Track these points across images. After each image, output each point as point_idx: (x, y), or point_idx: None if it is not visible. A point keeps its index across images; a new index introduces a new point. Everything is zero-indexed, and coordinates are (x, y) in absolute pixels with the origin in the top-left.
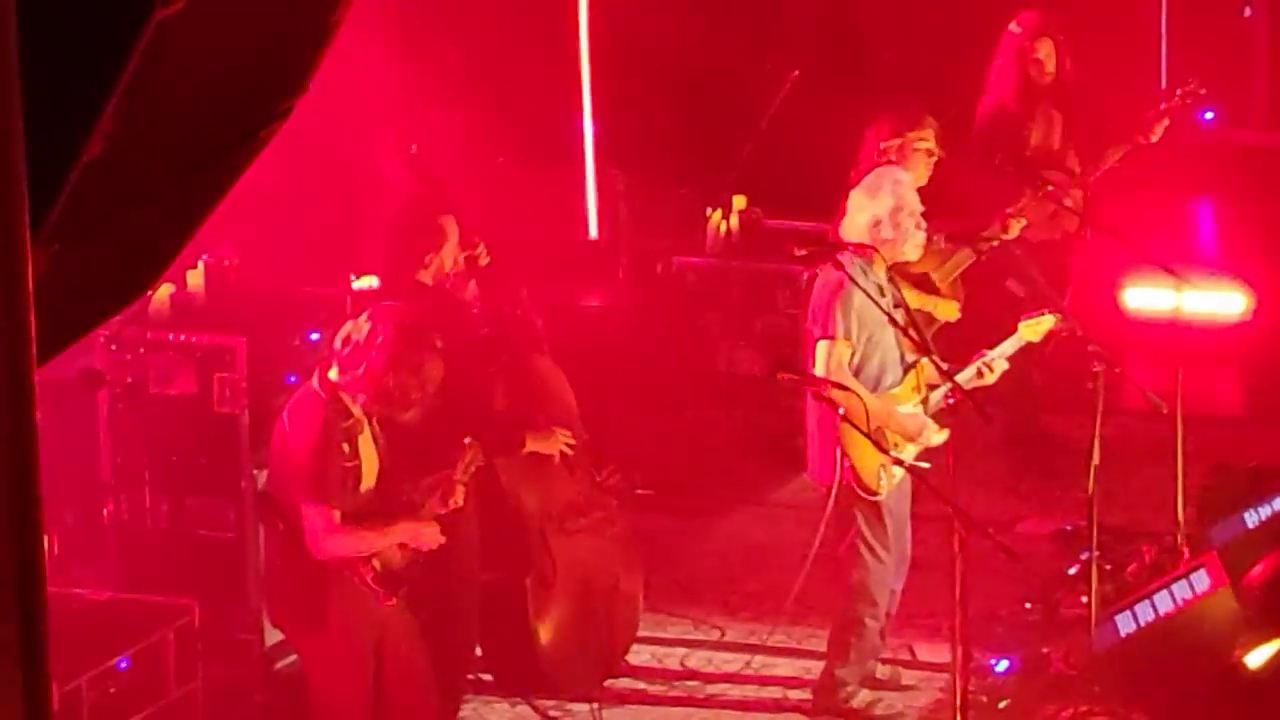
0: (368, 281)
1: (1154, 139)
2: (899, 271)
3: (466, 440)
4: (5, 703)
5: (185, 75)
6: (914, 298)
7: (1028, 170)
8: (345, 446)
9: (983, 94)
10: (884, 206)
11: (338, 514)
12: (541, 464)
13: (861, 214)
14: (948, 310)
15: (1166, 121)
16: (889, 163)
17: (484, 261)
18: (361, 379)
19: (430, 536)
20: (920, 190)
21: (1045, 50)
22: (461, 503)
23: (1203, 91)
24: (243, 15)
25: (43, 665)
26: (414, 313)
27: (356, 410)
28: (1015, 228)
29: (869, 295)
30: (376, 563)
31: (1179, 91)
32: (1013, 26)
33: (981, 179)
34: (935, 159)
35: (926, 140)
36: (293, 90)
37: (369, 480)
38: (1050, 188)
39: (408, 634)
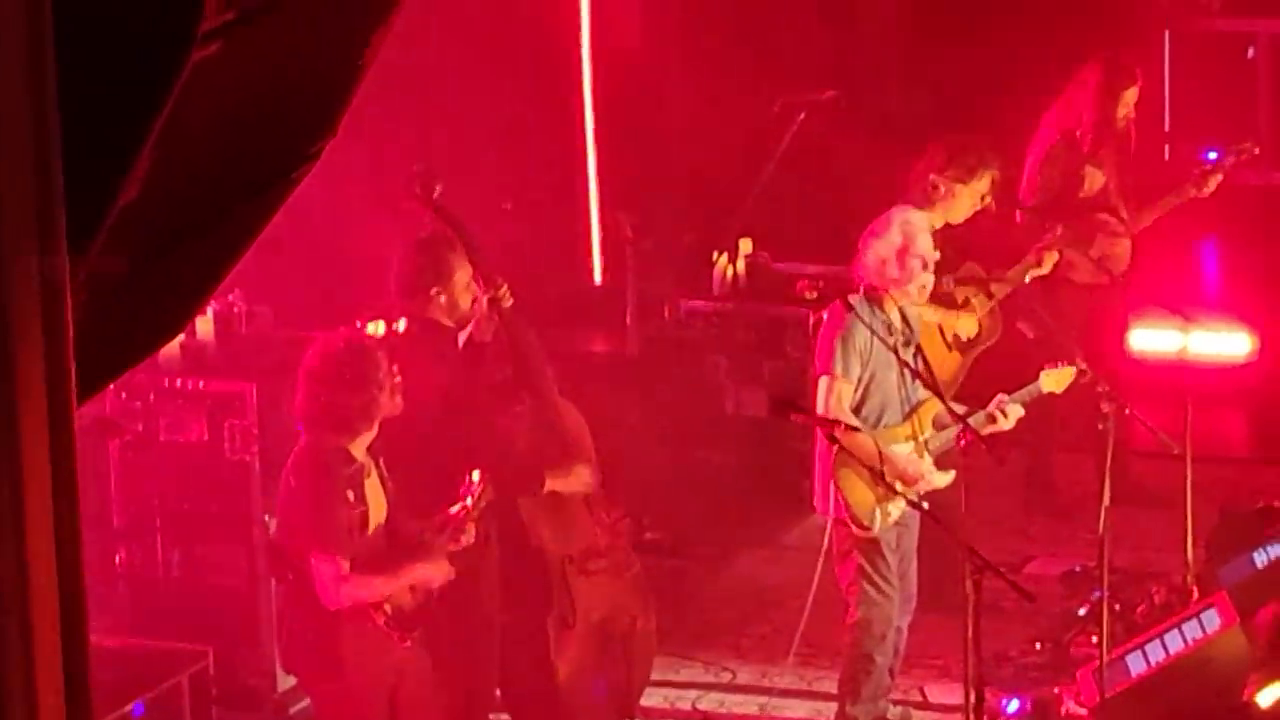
0: (374, 327)
1: (1206, 192)
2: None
3: (475, 475)
4: None
5: (219, 117)
6: (931, 313)
7: (1072, 212)
8: (350, 494)
9: (1043, 130)
10: (891, 247)
11: (346, 563)
12: (562, 504)
13: (870, 253)
14: (967, 325)
15: (1220, 176)
16: (935, 196)
17: (507, 303)
18: (301, 409)
19: (440, 574)
20: (957, 227)
21: (1132, 96)
22: (473, 539)
23: (1256, 150)
24: (275, 57)
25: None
26: (346, 337)
27: (360, 455)
28: (1049, 261)
29: (875, 334)
30: (388, 606)
31: (1235, 148)
32: (1094, 67)
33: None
34: (983, 205)
35: (981, 187)
36: (323, 132)
37: (377, 522)
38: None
39: (423, 676)
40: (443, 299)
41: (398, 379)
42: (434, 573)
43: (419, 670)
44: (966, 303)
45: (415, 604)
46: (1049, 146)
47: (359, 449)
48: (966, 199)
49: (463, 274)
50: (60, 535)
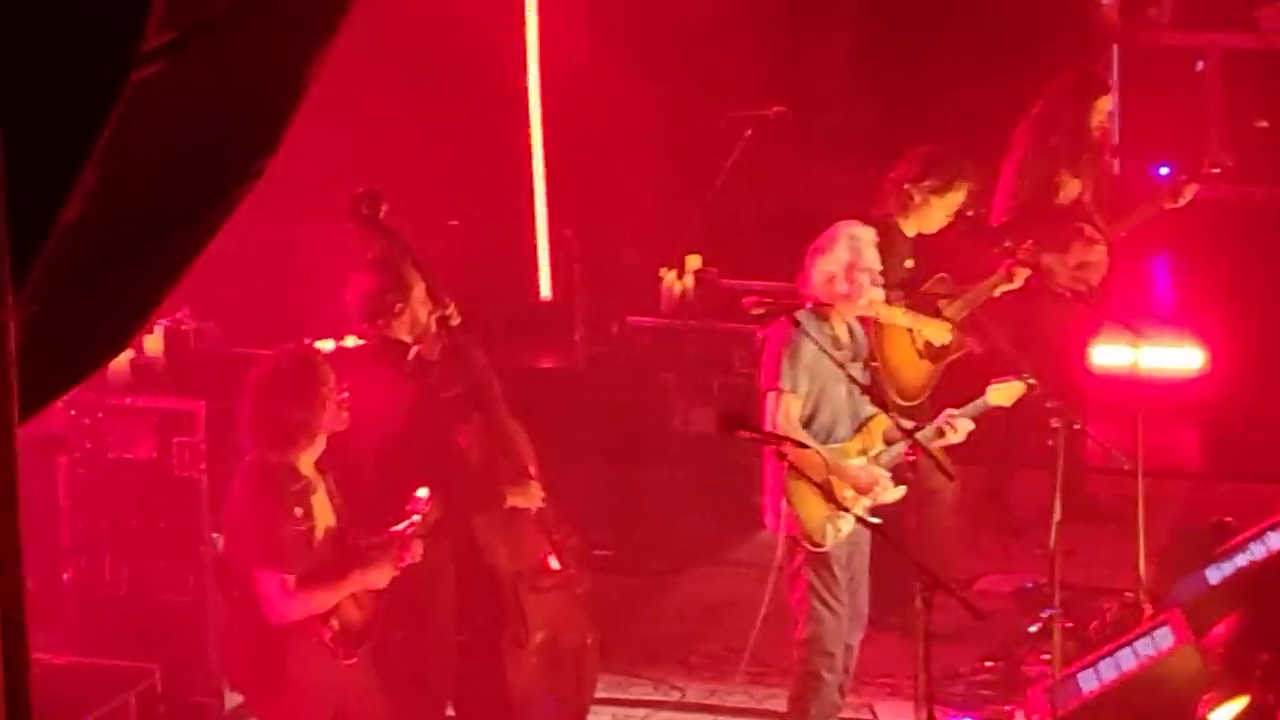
0: (326, 344)
1: (1180, 204)
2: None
3: (422, 493)
4: None
5: (160, 136)
6: (903, 316)
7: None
8: (297, 509)
9: (1018, 139)
10: (839, 262)
11: (292, 579)
12: (515, 522)
13: (817, 269)
14: (938, 333)
15: (1195, 188)
16: (910, 206)
17: (455, 321)
18: (248, 425)
19: (382, 577)
20: (930, 238)
21: (1104, 105)
22: (419, 557)
23: (1230, 164)
24: (216, 76)
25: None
26: (293, 354)
27: (307, 470)
28: (1020, 277)
29: (822, 349)
30: (335, 621)
31: (1210, 162)
32: (1068, 77)
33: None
34: (958, 217)
35: (955, 199)
36: (265, 150)
37: (325, 538)
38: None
39: (370, 693)
40: (405, 315)
41: (344, 396)
42: (376, 578)
43: (366, 687)
44: (939, 312)
45: (362, 620)
46: (1025, 155)
47: (306, 464)
48: (940, 210)
49: (419, 288)
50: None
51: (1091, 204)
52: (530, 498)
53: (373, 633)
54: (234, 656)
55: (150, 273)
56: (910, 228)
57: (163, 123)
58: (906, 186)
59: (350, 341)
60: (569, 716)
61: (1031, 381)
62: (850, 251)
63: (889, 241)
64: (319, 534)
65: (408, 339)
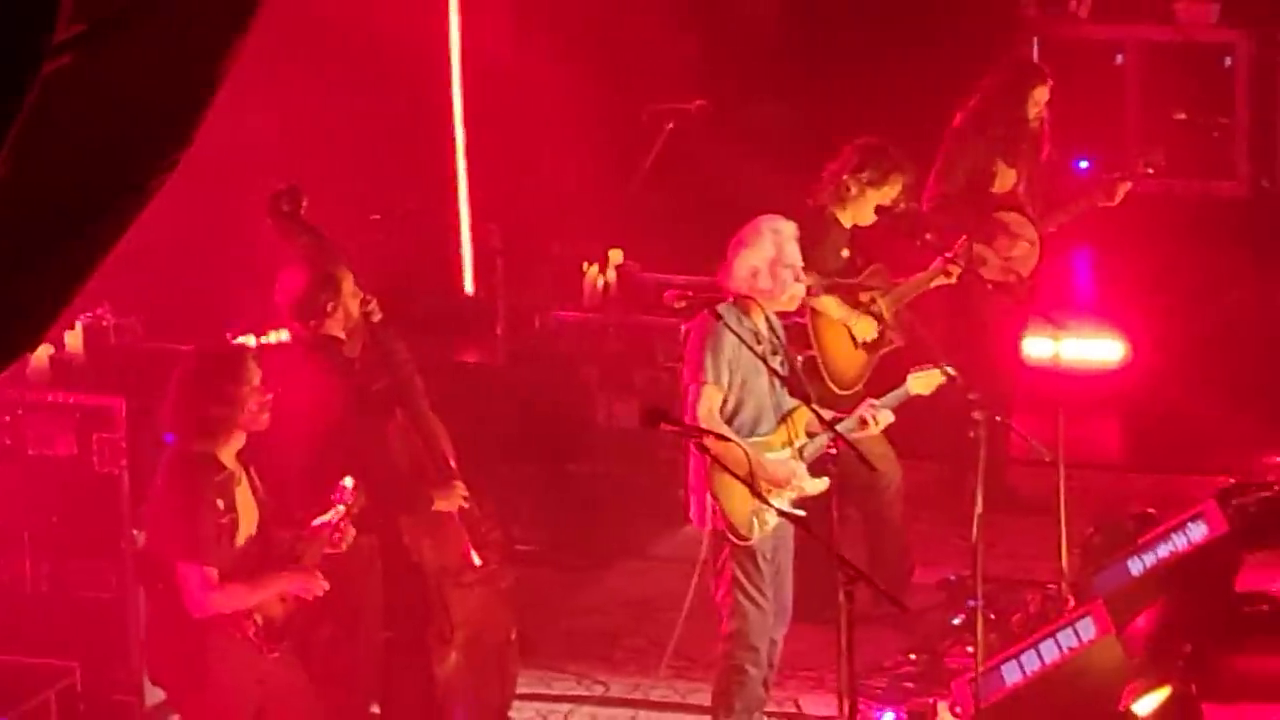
0: (248, 340)
1: (1115, 202)
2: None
3: (348, 482)
4: None
5: (71, 128)
6: (837, 309)
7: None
8: (219, 502)
9: (956, 128)
10: (763, 257)
11: (214, 571)
12: (439, 519)
13: (740, 263)
14: (865, 328)
15: (1129, 185)
16: (846, 197)
17: (376, 317)
18: (169, 417)
19: (314, 585)
20: (865, 230)
21: (1042, 95)
22: (348, 546)
23: (1163, 162)
24: (127, 67)
25: None
26: (215, 349)
27: (229, 462)
28: (955, 272)
29: (744, 342)
30: (258, 616)
31: (1145, 160)
32: (1005, 66)
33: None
34: (893, 209)
35: (892, 192)
36: (178, 142)
37: (248, 530)
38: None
39: (292, 688)
40: (338, 313)
41: (268, 397)
42: (303, 584)
43: (288, 683)
44: (873, 302)
45: (285, 614)
46: (961, 145)
47: (228, 456)
48: (877, 202)
49: (348, 282)
50: None
51: (1025, 195)
52: (452, 499)
53: (296, 628)
54: (156, 651)
55: (64, 266)
56: (846, 219)
57: (74, 114)
58: (845, 178)
59: (274, 337)
60: (492, 712)
61: (950, 371)
62: (774, 246)
63: (825, 232)
64: (242, 527)
65: (341, 335)
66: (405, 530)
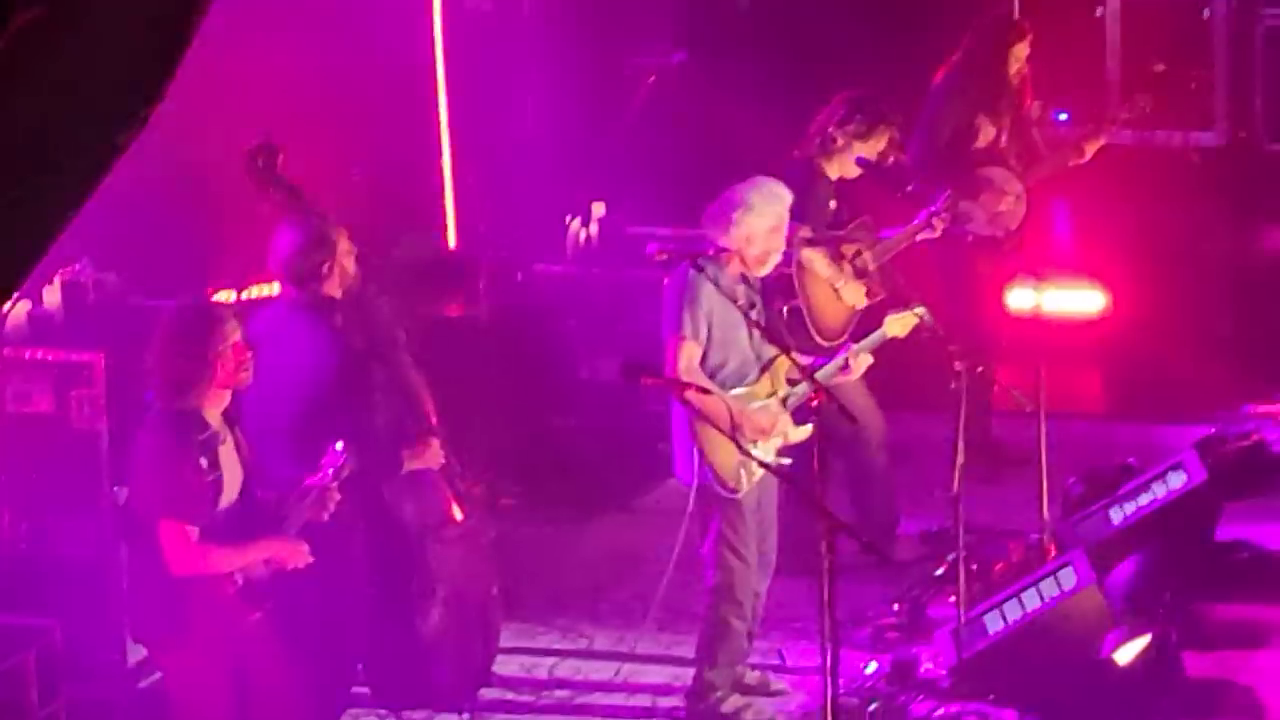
0: (227, 295)
1: (1085, 159)
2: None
3: (338, 446)
4: None
5: (41, 82)
6: (825, 268)
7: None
8: (202, 460)
9: (938, 84)
10: (764, 225)
11: (195, 531)
12: (419, 476)
13: (739, 224)
14: (853, 294)
15: (1100, 141)
16: (832, 149)
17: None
18: (150, 374)
19: (298, 555)
20: (847, 182)
21: (1022, 51)
22: (333, 508)
23: (1147, 109)
24: (99, 21)
25: None
26: (194, 305)
27: (214, 421)
28: (940, 226)
29: (723, 293)
30: (239, 577)
31: (1126, 108)
32: (984, 22)
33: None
34: (879, 162)
35: (878, 145)
36: (149, 97)
37: (232, 491)
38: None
39: (274, 649)
40: (334, 274)
41: (249, 354)
42: (290, 551)
43: (269, 644)
44: (857, 255)
45: (268, 575)
46: (943, 99)
47: (212, 416)
48: (863, 155)
49: (343, 240)
50: None
51: (1008, 149)
52: (431, 457)
53: (278, 589)
54: (137, 608)
55: (32, 223)
56: (833, 170)
57: (43, 67)
58: (831, 130)
59: (256, 292)
60: (476, 667)
61: (921, 312)
62: (775, 216)
63: (812, 184)
64: (226, 487)
65: (337, 294)
66: (386, 488)
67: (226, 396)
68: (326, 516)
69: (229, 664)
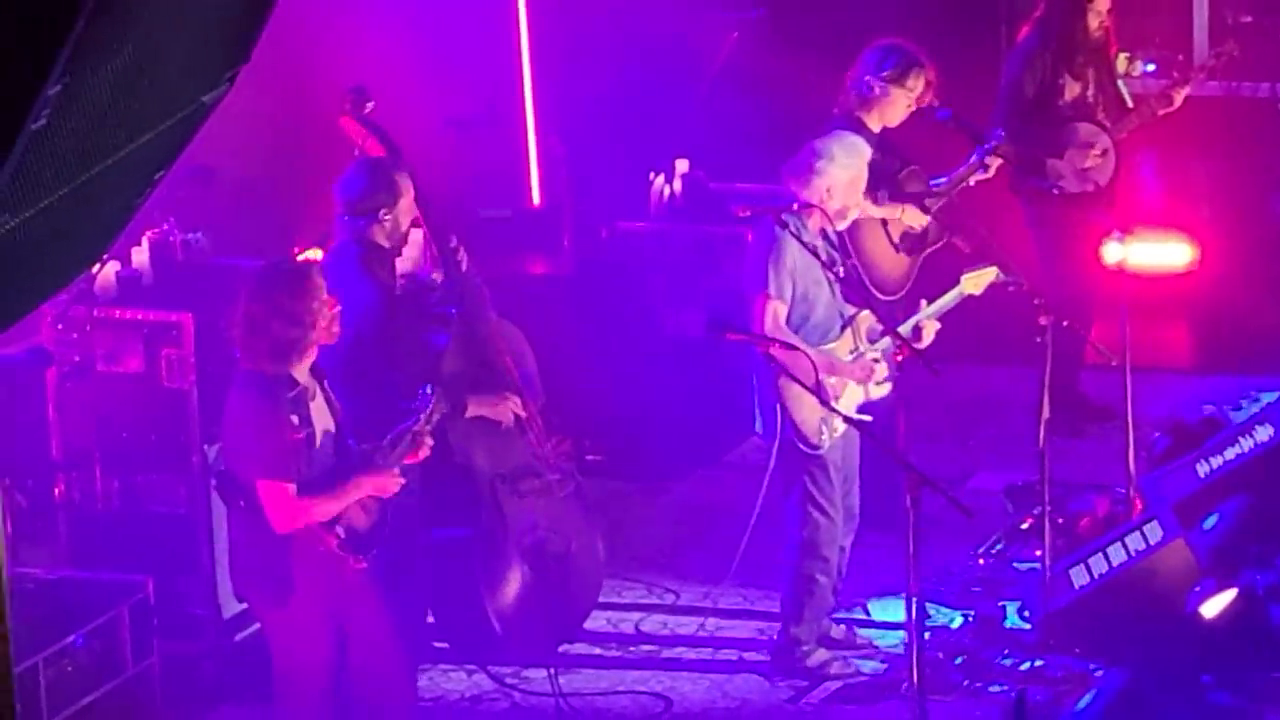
0: (312, 253)
1: (1174, 107)
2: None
3: (428, 389)
4: None
5: (129, 44)
6: (875, 208)
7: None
8: (294, 418)
9: (1020, 43)
10: (847, 176)
11: (293, 487)
12: (493, 425)
13: (821, 175)
14: (914, 216)
15: (1187, 89)
16: (871, 99)
17: (464, 266)
18: (239, 339)
19: (391, 483)
20: (896, 131)
21: (1103, 4)
22: (428, 452)
23: (1236, 53)
24: None
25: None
26: (284, 267)
27: (302, 378)
28: (993, 166)
29: (807, 249)
30: (340, 529)
31: (1213, 57)
32: None
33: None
34: (919, 106)
35: (915, 87)
36: (236, 58)
37: (325, 444)
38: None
39: (374, 599)
40: (388, 221)
41: (336, 309)
42: (380, 484)
43: (371, 593)
44: (914, 196)
45: (370, 524)
46: (1027, 57)
47: (301, 373)
48: (902, 100)
49: (407, 198)
50: None
51: (1095, 103)
52: (499, 411)
53: (381, 537)
54: (238, 568)
55: (122, 183)
56: (874, 122)
57: (131, 30)
58: (868, 79)
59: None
60: (555, 622)
61: (1015, 278)
62: (857, 169)
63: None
64: (318, 440)
65: (385, 244)
66: (450, 432)
67: (315, 351)
68: (420, 459)
69: (332, 616)
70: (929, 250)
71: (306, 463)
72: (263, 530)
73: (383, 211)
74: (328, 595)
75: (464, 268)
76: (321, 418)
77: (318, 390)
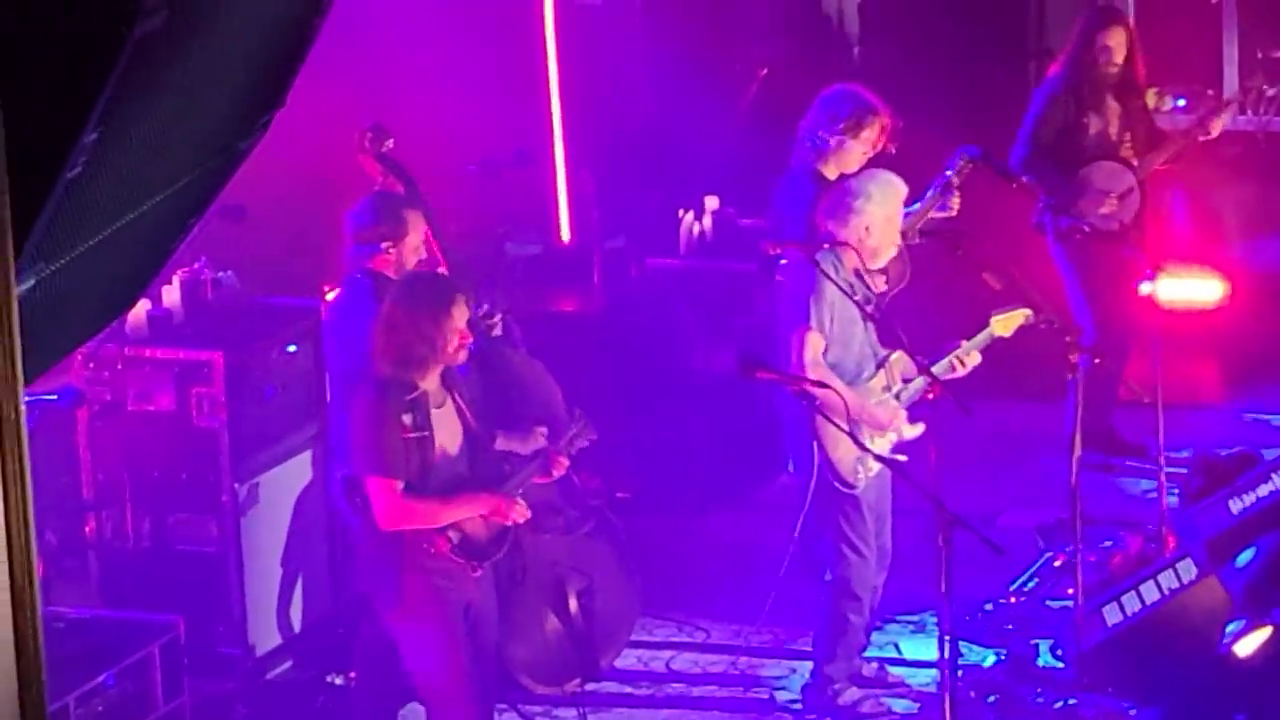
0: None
1: (1213, 135)
2: None
3: (577, 411)
4: None
5: (165, 91)
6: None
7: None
8: (406, 418)
9: (1043, 84)
10: (883, 214)
11: (400, 485)
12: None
13: (859, 214)
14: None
15: (1225, 119)
16: (825, 151)
17: (496, 332)
18: (376, 341)
19: (513, 511)
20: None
21: (1116, 39)
22: (562, 473)
23: (1270, 92)
24: (219, 28)
25: (38, 690)
26: (432, 280)
27: (427, 383)
28: (954, 204)
29: (841, 289)
30: (453, 534)
31: (1242, 92)
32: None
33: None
34: (879, 151)
35: (870, 136)
36: (270, 103)
37: (450, 452)
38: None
39: (493, 605)
40: (392, 254)
41: (469, 339)
42: (499, 507)
43: (490, 599)
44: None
45: (489, 535)
46: (1049, 97)
47: (428, 381)
48: (858, 150)
49: (415, 236)
50: (10, 522)
51: (1118, 141)
52: (526, 445)
53: (500, 547)
54: (364, 573)
55: (157, 228)
56: (831, 172)
57: (166, 78)
58: (820, 133)
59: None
60: (575, 659)
61: (1045, 316)
62: (894, 208)
63: (817, 193)
64: (438, 446)
65: (392, 275)
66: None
67: (439, 370)
68: (551, 479)
69: (446, 621)
70: (891, 294)
71: (421, 465)
72: (377, 531)
73: (386, 244)
74: (443, 600)
75: (495, 332)
76: (448, 425)
77: (447, 399)
